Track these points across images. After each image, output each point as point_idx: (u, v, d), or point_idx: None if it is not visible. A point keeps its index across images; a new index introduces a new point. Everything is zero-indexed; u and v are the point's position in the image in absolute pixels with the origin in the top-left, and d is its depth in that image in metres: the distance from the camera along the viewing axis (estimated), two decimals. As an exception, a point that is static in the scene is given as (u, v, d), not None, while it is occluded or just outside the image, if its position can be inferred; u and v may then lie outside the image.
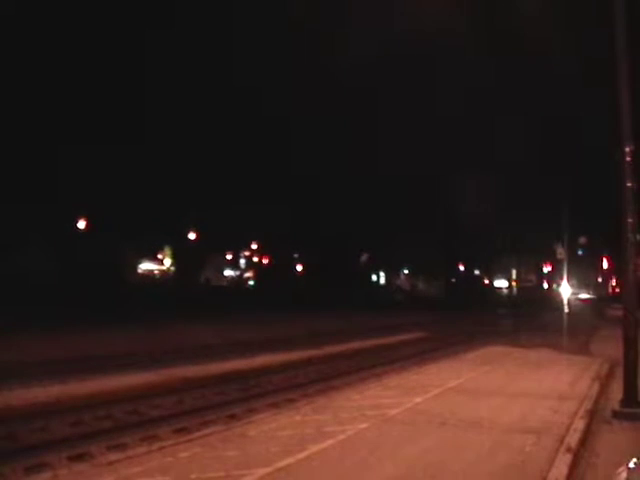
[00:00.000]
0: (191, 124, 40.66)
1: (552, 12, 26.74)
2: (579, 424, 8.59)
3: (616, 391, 10.98)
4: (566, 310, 25.44)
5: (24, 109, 32.12)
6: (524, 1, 26.07)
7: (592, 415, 9.57)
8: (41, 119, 33.35)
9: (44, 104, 33.37)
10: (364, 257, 69.82)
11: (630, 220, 9.57)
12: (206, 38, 39.01)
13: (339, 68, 38.78)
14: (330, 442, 7.29)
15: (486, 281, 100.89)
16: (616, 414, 9.66)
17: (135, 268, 73.36)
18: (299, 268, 74.10)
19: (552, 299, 68.18)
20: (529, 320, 41.21)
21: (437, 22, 30.62)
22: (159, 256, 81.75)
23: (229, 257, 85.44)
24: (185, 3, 37.65)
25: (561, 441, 7.56)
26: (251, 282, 78.68)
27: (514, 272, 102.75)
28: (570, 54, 31.81)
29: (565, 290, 27.08)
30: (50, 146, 33.92)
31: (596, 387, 12.13)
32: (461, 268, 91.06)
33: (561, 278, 67.02)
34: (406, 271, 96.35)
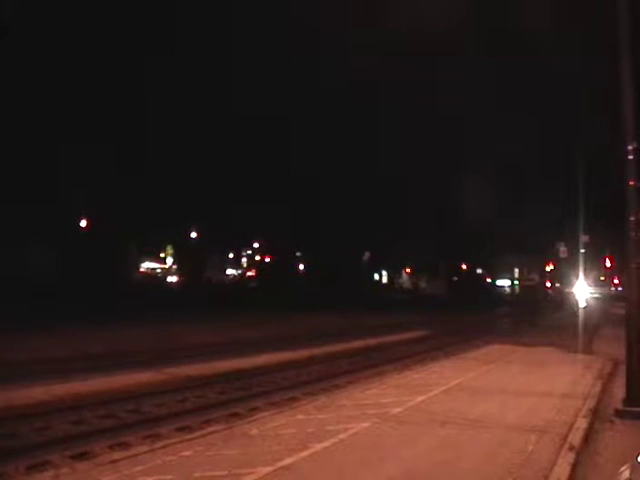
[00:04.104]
0: (193, 124, 40.70)
1: (552, 12, 26.71)
2: (582, 423, 8.58)
3: (619, 390, 10.96)
4: (581, 308, 25.38)
5: (25, 109, 32.17)
6: (524, 1, 26.04)
7: (595, 414, 9.55)
8: (42, 119, 33.40)
9: (46, 105, 33.43)
10: (366, 256, 69.79)
11: (633, 218, 9.55)
12: (207, 39, 39.08)
13: (339, 68, 38.82)
14: (332, 441, 7.28)
15: (488, 280, 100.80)
16: (619, 413, 9.64)
17: (137, 267, 73.49)
18: (301, 267, 74.13)
19: (557, 298, 68.12)
20: (532, 319, 41.15)
21: (437, 22, 30.63)
22: (161, 255, 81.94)
23: (231, 256, 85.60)
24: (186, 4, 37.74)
25: (564, 440, 7.55)
26: (251, 282, 78.17)
27: (516, 271, 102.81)
28: (570, 53, 31.79)
29: (580, 289, 26.84)
30: (51, 146, 33.96)
31: (599, 386, 12.10)
32: (463, 267, 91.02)
33: (564, 277, 66.95)
34: (408, 270, 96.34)
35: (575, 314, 32.17)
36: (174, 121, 39.46)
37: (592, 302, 46.00)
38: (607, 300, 53.62)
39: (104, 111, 35.77)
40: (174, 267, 78.59)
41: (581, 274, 26.76)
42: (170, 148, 40.98)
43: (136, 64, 37.09)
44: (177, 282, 68.97)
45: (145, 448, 7.20)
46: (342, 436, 7.51)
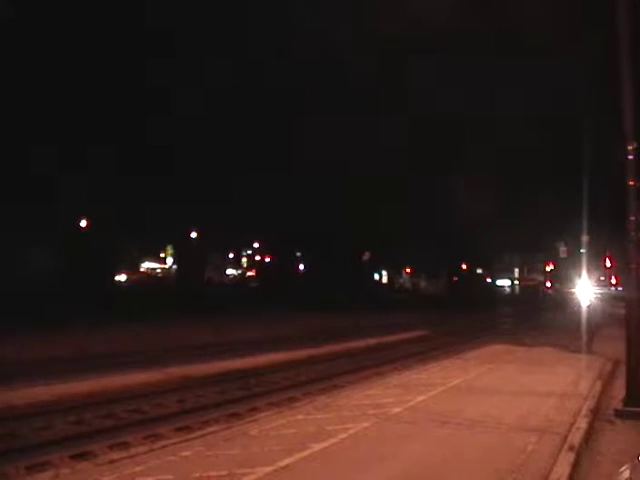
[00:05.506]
0: (192, 124, 40.64)
1: (553, 12, 26.72)
2: (582, 423, 8.58)
3: (619, 390, 10.96)
4: (581, 308, 25.29)
5: (23, 107, 32.15)
6: (524, 1, 26.05)
7: (595, 414, 9.55)
8: (41, 118, 33.39)
9: (45, 106, 33.40)
10: (366, 256, 69.74)
11: (633, 218, 9.55)
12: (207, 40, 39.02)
13: (340, 67, 38.81)
14: (332, 441, 7.27)
15: (488, 280, 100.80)
16: (619, 413, 9.64)
17: (138, 267, 73.43)
18: (301, 267, 74.12)
19: (558, 298, 68.12)
20: (532, 319, 41.17)
21: (438, 22, 30.62)
22: (161, 255, 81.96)
23: (231, 256, 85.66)
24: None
25: (564, 440, 7.55)
26: (251, 282, 77.90)
27: (516, 271, 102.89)
28: (571, 54, 31.78)
29: (582, 288, 26.64)
30: (51, 146, 33.93)
31: (599, 386, 12.10)
32: (463, 267, 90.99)
33: (564, 277, 66.89)
34: (408, 270, 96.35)
35: (575, 314, 32.18)
36: (175, 121, 39.46)
37: (593, 302, 46.14)
38: (607, 300, 53.63)
39: (107, 113, 35.77)
40: (174, 267, 78.63)
41: (584, 274, 26.76)
42: (170, 148, 40.97)
43: (136, 68, 37.08)
44: (127, 280, 66.71)
45: (145, 448, 7.20)
46: (342, 436, 7.51)
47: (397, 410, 9.16)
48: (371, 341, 23.64)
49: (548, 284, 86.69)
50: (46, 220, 36.57)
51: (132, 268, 70.91)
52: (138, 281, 65.50)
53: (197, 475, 5.91)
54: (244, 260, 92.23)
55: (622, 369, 11.77)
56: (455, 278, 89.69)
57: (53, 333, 20.04)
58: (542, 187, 51.65)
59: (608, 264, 32.55)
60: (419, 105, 43.59)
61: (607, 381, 13.10)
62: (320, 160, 44.08)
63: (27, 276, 34.86)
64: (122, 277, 65.38)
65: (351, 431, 7.77)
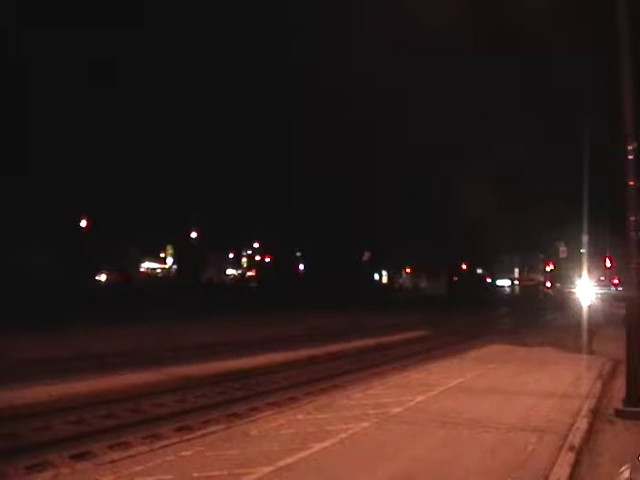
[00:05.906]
0: (193, 125, 40.72)
1: (553, 11, 26.73)
2: (582, 423, 8.57)
3: (619, 390, 10.95)
4: (581, 308, 25.16)
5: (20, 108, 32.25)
6: (524, 1, 26.05)
7: (595, 414, 9.54)
8: (41, 119, 33.44)
9: (42, 107, 33.47)
10: (366, 256, 69.77)
11: (632, 218, 9.55)
12: (206, 41, 39.09)
13: (340, 68, 38.89)
14: (332, 441, 7.27)
15: (488, 280, 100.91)
16: (619, 413, 9.63)
17: (138, 267, 73.38)
18: (301, 267, 74.16)
19: (558, 298, 68.13)
20: (532, 319, 41.12)
21: (437, 22, 30.67)
22: (162, 255, 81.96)
23: (231, 256, 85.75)
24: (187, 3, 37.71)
25: (564, 440, 7.55)
26: (251, 282, 77.73)
27: (516, 271, 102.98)
28: (571, 54, 31.82)
29: (583, 288, 26.41)
30: (52, 147, 33.98)
31: (599, 386, 12.09)
32: (463, 267, 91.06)
33: (563, 277, 66.91)
34: (408, 270, 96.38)
35: (575, 314, 32.15)
36: (175, 122, 39.53)
37: (593, 302, 46.15)
38: (607, 300, 53.66)
39: (108, 114, 35.89)
40: (174, 267, 78.64)
41: (585, 274, 26.72)
42: (172, 149, 41.08)
43: (136, 66, 37.11)
44: (177, 282, 67.81)
45: (145, 448, 7.20)
46: (342, 436, 7.50)
47: (397, 410, 9.16)
48: (371, 341, 23.61)
49: (548, 284, 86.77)
50: (46, 220, 36.61)
51: (132, 268, 70.88)
52: (118, 281, 63.74)
53: (197, 475, 5.91)
54: (244, 260, 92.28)
55: (622, 369, 11.76)
56: (455, 278, 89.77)
57: (53, 333, 20.03)
58: (542, 187, 51.70)
59: (608, 264, 32.50)
60: (418, 105, 43.68)
61: (607, 381, 13.09)
62: (319, 161, 44.14)
63: (28, 277, 34.88)
64: (102, 277, 64.14)
65: (351, 431, 7.77)
